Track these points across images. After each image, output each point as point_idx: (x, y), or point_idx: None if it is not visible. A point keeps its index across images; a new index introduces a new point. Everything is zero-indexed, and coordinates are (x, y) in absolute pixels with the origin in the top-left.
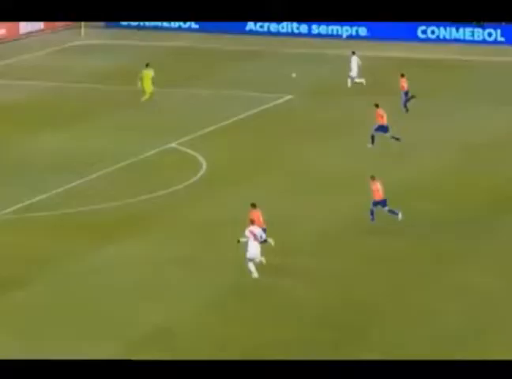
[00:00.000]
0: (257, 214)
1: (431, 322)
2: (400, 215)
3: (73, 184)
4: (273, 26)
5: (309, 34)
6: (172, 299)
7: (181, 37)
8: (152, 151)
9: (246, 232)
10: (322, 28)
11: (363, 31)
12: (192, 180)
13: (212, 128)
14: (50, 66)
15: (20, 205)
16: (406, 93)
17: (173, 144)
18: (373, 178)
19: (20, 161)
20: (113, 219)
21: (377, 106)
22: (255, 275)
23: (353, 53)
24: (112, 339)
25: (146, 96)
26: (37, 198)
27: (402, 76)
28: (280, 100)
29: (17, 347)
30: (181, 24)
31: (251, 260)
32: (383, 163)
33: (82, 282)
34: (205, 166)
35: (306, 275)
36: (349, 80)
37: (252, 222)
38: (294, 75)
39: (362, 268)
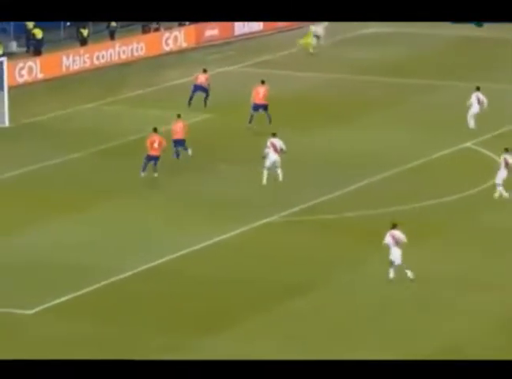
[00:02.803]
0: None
1: None
2: (190, 152)
3: (354, 186)
4: None
5: None
6: (449, 317)
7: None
8: (444, 152)
9: (268, 143)
10: None
11: None
12: (487, 184)
13: (510, 127)
14: (335, 56)
15: (301, 207)
16: (201, 88)
17: (468, 144)
18: (178, 116)
19: (295, 158)
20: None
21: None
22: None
23: None
24: (391, 353)
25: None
26: (318, 200)
27: (204, 71)
28: None
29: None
30: None
31: (268, 168)
32: None
33: (356, 291)
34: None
35: None
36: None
37: (273, 135)
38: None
39: None
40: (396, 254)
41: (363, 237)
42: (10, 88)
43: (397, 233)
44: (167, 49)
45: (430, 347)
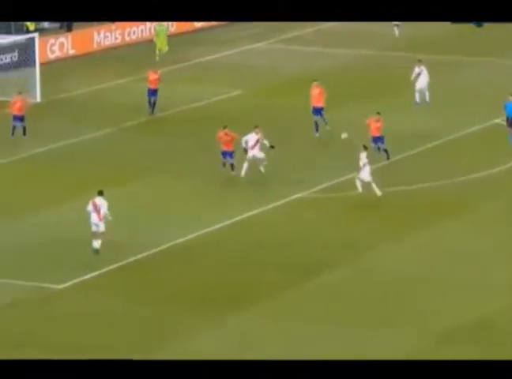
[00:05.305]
0: None
1: None
2: None
3: (383, 163)
4: None
5: None
6: (477, 292)
7: None
8: (473, 128)
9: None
10: None
11: None
12: None
13: None
14: (368, 32)
15: (328, 184)
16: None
17: (497, 120)
18: None
19: (325, 135)
20: (421, 202)
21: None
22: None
23: None
24: (416, 331)
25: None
26: (346, 177)
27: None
28: None
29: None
30: None
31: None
32: None
33: (380, 270)
34: None
35: None
36: None
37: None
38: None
39: None
40: (93, 220)
41: (386, 215)
42: (42, 65)
43: (99, 200)
44: (199, 25)
45: (458, 322)
